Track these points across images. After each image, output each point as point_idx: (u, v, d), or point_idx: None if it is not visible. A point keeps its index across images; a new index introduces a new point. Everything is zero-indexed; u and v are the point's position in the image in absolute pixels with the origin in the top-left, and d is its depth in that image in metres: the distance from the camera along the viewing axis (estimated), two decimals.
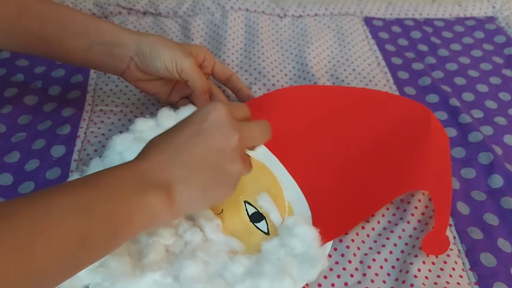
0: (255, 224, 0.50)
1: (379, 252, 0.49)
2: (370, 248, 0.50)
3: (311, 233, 0.46)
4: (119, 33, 0.56)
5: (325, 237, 0.47)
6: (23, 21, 0.53)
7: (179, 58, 0.56)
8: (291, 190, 0.53)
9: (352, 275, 0.47)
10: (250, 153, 0.48)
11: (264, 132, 0.46)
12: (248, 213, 0.50)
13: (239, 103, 0.53)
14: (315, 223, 0.49)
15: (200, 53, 0.60)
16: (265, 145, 0.56)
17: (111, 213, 0.37)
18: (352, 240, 0.50)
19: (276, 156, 0.56)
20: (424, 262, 0.48)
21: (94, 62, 0.57)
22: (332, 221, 0.50)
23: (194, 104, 0.59)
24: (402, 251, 0.49)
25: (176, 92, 0.62)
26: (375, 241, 0.50)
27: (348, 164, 0.55)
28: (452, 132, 0.62)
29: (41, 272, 0.33)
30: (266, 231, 0.49)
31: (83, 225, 0.35)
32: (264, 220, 0.50)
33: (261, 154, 0.55)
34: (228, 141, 0.41)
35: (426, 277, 0.47)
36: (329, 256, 0.49)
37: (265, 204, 0.50)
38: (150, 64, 0.56)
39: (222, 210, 0.49)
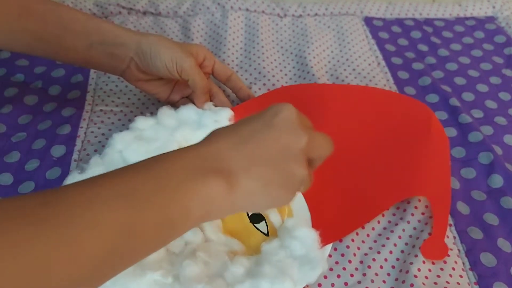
0: (254, 225, 0.50)
1: (379, 252, 0.49)
2: (370, 248, 0.50)
3: (311, 235, 0.46)
4: (120, 33, 0.56)
5: (324, 239, 0.47)
6: (23, 21, 0.53)
7: (180, 57, 0.56)
8: None
9: (352, 275, 0.47)
10: None
11: (329, 145, 0.43)
12: (248, 214, 0.50)
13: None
14: (315, 225, 0.49)
15: (200, 53, 0.60)
16: None
17: (164, 199, 0.34)
18: (352, 240, 0.50)
19: None
20: (424, 262, 0.48)
21: (95, 62, 0.57)
22: (332, 223, 0.50)
23: (194, 103, 0.59)
24: (402, 251, 0.49)
25: (176, 92, 0.62)
26: (375, 241, 0.50)
27: (349, 166, 0.55)
28: (452, 132, 0.62)
29: (88, 263, 0.30)
30: (265, 232, 0.49)
31: (131, 213, 0.32)
32: (263, 221, 0.50)
33: None
34: (296, 140, 0.39)
35: (426, 277, 0.47)
36: (329, 256, 0.49)
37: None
38: (150, 64, 0.56)
39: None
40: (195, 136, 0.55)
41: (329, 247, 0.48)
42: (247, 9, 0.80)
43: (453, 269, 0.48)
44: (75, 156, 0.56)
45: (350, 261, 0.48)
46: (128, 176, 0.34)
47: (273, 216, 0.50)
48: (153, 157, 0.37)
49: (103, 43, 0.56)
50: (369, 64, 0.73)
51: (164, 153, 0.37)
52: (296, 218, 0.50)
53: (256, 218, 0.50)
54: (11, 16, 0.53)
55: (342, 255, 0.49)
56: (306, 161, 0.40)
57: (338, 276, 0.47)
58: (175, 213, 0.34)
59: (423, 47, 0.77)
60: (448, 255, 0.49)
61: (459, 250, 0.50)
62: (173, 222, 0.35)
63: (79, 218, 0.30)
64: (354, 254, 0.49)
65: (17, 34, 0.54)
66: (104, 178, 0.34)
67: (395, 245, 0.50)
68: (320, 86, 0.65)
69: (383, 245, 0.50)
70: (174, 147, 0.54)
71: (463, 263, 0.49)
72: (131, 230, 0.32)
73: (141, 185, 0.33)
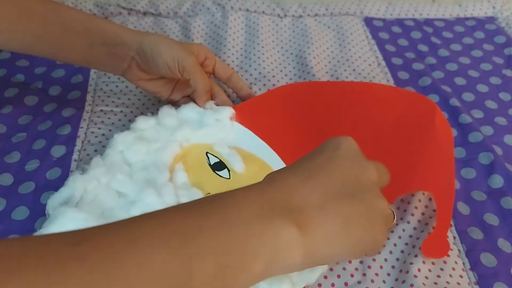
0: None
1: (379, 252, 0.49)
2: None
3: None
4: (120, 32, 0.56)
5: None
6: (23, 21, 0.53)
7: (181, 57, 0.55)
8: None
9: (352, 275, 0.47)
10: (254, 150, 0.50)
11: (387, 173, 0.40)
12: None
13: None
14: None
15: (201, 52, 0.60)
16: (266, 142, 0.56)
17: (222, 247, 0.28)
18: None
19: (277, 154, 0.56)
20: (424, 262, 0.48)
21: (95, 62, 0.57)
22: None
23: (195, 102, 0.59)
24: (402, 251, 0.49)
25: (177, 91, 0.62)
26: None
27: None
28: (452, 132, 0.62)
29: None
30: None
31: (180, 261, 0.26)
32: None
33: (263, 152, 0.55)
34: (364, 171, 0.35)
35: (426, 277, 0.47)
36: None
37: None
38: (151, 63, 0.56)
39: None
40: (196, 136, 0.55)
41: None
42: (247, 10, 0.80)
43: (453, 269, 0.48)
44: (75, 156, 0.56)
45: (350, 261, 0.48)
46: (178, 216, 0.29)
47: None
48: (209, 196, 0.32)
49: (104, 43, 0.56)
50: (369, 65, 0.73)
51: (220, 193, 0.32)
52: None
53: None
54: (12, 16, 0.53)
55: None
56: (381, 194, 0.36)
57: (338, 276, 0.47)
58: (236, 263, 0.29)
59: (423, 48, 0.77)
60: (448, 255, 0.49)
61: (459, 250, 0.50)
62: (232, 274, 0.29)
63: (112, 264, 0.25)
64: None
65: (18, 34, 0.54)
66: (151, 216, 0.28)
67: (395, 245, 0.50)
68: (321, 83, 0.65)
69: (383, 245, 0.50)
70: (175, 146, 0.54)
71: (463, 263, 0.49)
72: (180, 283, 0.27)
73: (193, 228, 0.28)
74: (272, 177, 0.34)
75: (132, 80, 0.59)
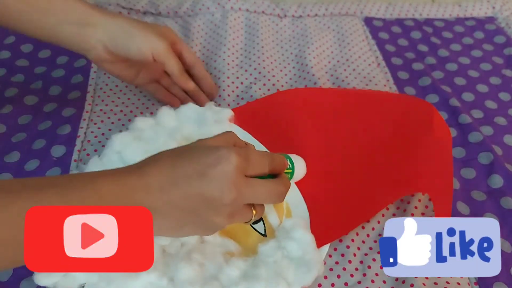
0: (252, 225, 0.49)
1: (379, 252, 0.49)
2: (370, 248, 0.50)
3: (308, 238, 0.46)
4: (88, 11, 0.55)
5: (324, 239, 0.47)
6: None
7: (154, 41, 0.55)
8: (290, 192, 0.53)
9: (352, 275, 0.47)
10: None
11: (272, 197, 0.44)
12: None
13: (260, 153, 0.46)
14: (314, 225, 0.49)
15: (169, 36, 0.59)
16: (266, 147, 0.56)
17: None
18: (352, 240, 0.50)
19: None
20: None
21: (61, 41, 0.56)
22: (331, 223, 0.50)
23: (194, 102, 0.59)
24: None
25: (143, 75, 0.61)
26: (375, 241, 0.50)
27: (348, 166, 0.55)
28: (452, 132, 0.62)
29: None
30: (263, 232, 0.49)
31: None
32: (261, 222, 0.50)
33: None
34: (221, 196, 0.40)
35: (426, 277, 0.47)
36: (329, 256, 0.49)
37: None
38: (121, 47, 0.55)
39: None
40: (195, 136, 0.55)
41: (325, 250, 0.48)
42: (247, 10, 0.80)
43: None
44: (75, 156, 0.56)
45: (350, 261, 0.48)
46: (55, 194, 0.36)
47: (271, 217, 0.50)
48: (81, 175, 0.38)
49: (70, 22, 0.54)
50: (369, 65, 0.73)
51: (96, 173, 0.39)
52: (294, 218, 0.49)
53: None
54: None
55: (342, 255, 0.49)
56: (232, 211, 0.41)
57: (338, 276, 0.47)
58: None
59: (423, 48, 0.77)
60: None
61: None
62: None
63: None
64: (354, 254, 0.49)
65: None
66: (29, 189, 0.35)
67: None
68: (319, 90, 0.65)
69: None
70: (174, 147, 0.54)
71: None
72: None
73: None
74: (145, 168, 0.40)
75: (96, 62, 0.58)
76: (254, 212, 0.44)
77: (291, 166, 0.51)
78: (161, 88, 0.63)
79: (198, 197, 0.40)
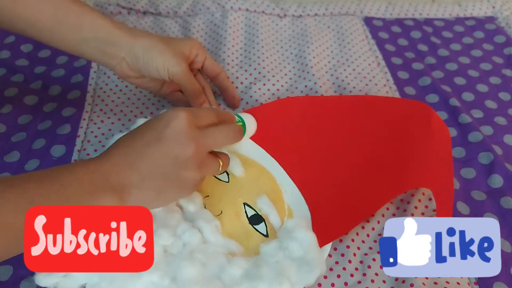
0: (254, 226, 0.49)
1: (379, 252, 0.49)
2: (370, 248, 0.50)
3: (310, 237, 0.46)
4: (114, 31, 0.56)
5: (325, 238, 0.47)
6: (16, 8, 0.53)
7: (172, 65, 0.56)
8: (291, 193, 0.53)
9: (352, 275, 0.47)
10: (252, 155, 0.49)
11: (229, 136, 0.48)
12: (247, 215, 0.50)
13: (205, 108, 0.54)
14: (315, 225, 0.49)
15: (193, 50, 0.60)
16: (264, 149, 0.56)
17: None
18: (352, 240, 0.50)
19: (276, 160, 0.56)
20: None
21: (86, 56, 0.57)
22: (332, 223, 0.50)
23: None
24: None
25: (167, 86, 0.62)
26: (375, 241, 0.50)
27: (348, 167, 0.55)
28: (452, 132, 0.62)
29: None
30: (265, 233, 0.49)
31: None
32: (263, 223, 0.50)
33: (261, 158, 0.55)
34: (183, 150, 0.43)
35: (426, 277, 0.47)
36: (329, 256, 0.49)
37: (264, 207, 0.50)
38: (142, 67, 0.56)
39: (221, 211, 0.49)
40: None
41: (327, 249, 0.48)
42: (247, 9, 0.80)
43: None
44: (75, 156, 0.56)
45: (350, 261, 0.48)
46: (32, 185, 0.38)
47: (273, 217, 0.50)
48: (58, 169, 0.41)
49: (96, 39, 0.55)
50: (369, 64, 0.73)
51: (69, 165, 0.42)
52: (296, 218, 0.49)
53: (255, 220, 0.50)
54: (3, 2, 0.52)
55: (342, 255, 0.49)
56: (199, 162, 0.45)
57: (338, 276, 0.47)
58: None
59: (423, 47, 0.77)
60: None
61: None
62: None
63: None
64: (354, 254, 0.49)
65: (9, 19, 0.53)
66: (10, 182, 0.38)
67: None
68: (318, 98, 0.64)
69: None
70: None
71: None
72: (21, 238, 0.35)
73: (43, 198, 0.38)
74: (109, 153, 0.43)
75: (120, 77, 0.59)
76: (220, 162, 0.48)
77: (240, 120, 0.54)
78: (182, 98, 0.63)
79: (163, 159, 0.43)
